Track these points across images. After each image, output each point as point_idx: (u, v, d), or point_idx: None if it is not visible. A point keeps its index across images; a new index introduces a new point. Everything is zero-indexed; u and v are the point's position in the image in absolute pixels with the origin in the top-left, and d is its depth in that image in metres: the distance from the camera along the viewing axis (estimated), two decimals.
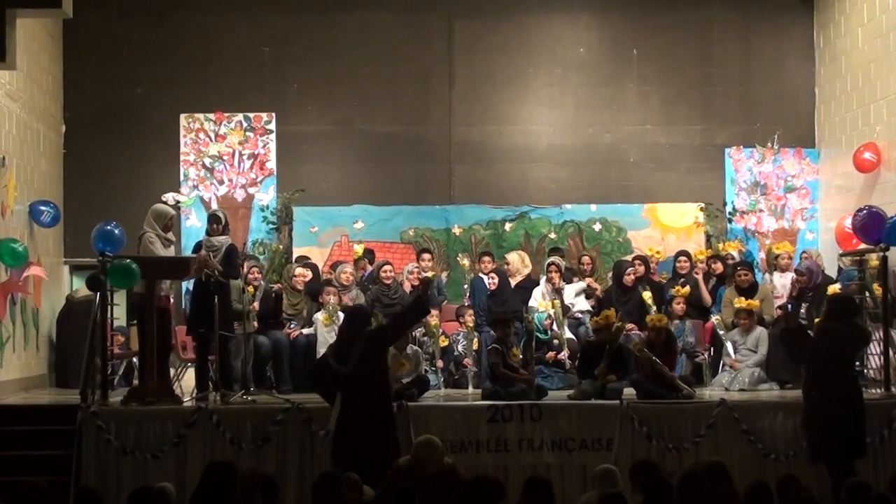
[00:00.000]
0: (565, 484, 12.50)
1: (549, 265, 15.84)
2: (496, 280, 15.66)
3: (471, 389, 14.52)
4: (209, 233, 13.99)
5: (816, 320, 13.70)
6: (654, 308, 15.24)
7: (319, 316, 14.92)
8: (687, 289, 15.47)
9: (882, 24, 16.45)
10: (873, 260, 14.21)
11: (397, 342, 12.86)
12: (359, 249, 16.80)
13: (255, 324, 14.67)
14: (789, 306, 13.79)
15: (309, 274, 15.77)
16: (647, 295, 15.47)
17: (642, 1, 18.84)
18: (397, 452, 10.94)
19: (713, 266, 16.39)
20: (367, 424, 10.98)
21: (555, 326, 15.17)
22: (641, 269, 16.11)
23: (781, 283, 15.99)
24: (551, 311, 15.21)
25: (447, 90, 18.66)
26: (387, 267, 15.63)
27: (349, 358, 11.08)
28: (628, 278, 15.86)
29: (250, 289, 14.60)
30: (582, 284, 16.07)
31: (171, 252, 13.70)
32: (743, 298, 14.94)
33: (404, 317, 12.15)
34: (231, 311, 13.82)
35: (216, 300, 13.20)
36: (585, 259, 16.84)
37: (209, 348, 13.67)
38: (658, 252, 17.09)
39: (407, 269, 16.05)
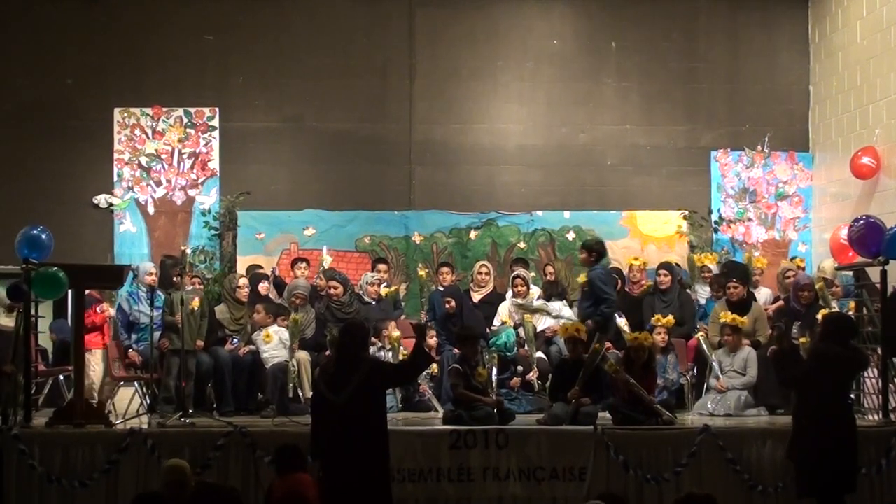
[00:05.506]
0: None
1: (514, 278, 15.87)
2: (452, 303, 15.51)
3: (441, 413, 14.11)
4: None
5: (802, 340, 13.76)
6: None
7: (260, 335, 14.84)
8: (670, 318, 15.09)
9: (882, 18, 16.63)
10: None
11: None
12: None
13: (199, 343, 14.62)
14: (782, 325, 13.82)
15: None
16: (622, 322, 15.18)
17: None
18: (388, 497, 10.66)
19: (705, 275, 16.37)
20: (357, 464, 10.36)
21: (525, 346, 15.15)
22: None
23: (762, 299, 16.02)
24: (520, 331, 15.21)
25: (407, 84, 18.72)
26: (334, 283, 15.50)
27: (343, 388, 10.49)
28: None
29: (195, 302, 14.53)
30: (555, 306, 15.83)
31: None
32: (729, 313, 14.89)
33: (408, 368, 11.46)
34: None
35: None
36: (549, 269, 16.71)
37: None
38: (637, 258, 16.85)
39: (365, 280, 15.93)
